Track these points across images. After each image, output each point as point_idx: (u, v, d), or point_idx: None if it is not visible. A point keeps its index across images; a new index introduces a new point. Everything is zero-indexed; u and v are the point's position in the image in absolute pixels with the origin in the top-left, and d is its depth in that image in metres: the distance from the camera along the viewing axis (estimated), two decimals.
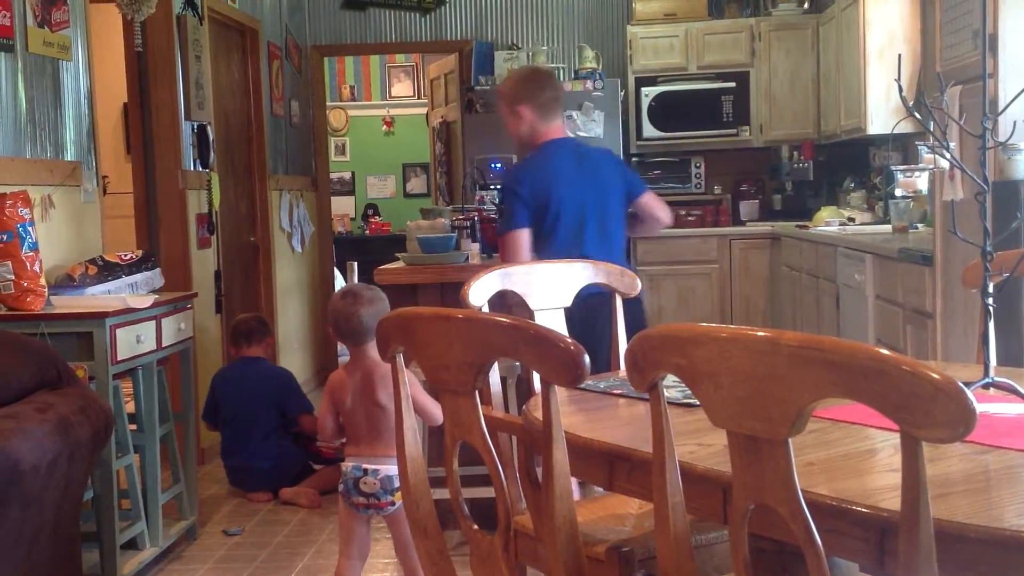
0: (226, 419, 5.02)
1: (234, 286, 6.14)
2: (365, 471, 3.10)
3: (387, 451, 3.08)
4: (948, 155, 1.98)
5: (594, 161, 3.88)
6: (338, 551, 3.27)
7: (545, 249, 3.71)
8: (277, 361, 6.37)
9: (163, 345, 3.89)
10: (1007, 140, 2.10)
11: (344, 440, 3.29)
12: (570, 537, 1.65)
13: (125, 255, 4.12)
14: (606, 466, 1.75)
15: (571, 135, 4.02)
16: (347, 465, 3.13)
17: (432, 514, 1.92)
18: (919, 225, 5.57)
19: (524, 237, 3.73)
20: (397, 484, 3.05)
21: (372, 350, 3.12)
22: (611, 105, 6.95)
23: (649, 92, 7.40)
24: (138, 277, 4.07)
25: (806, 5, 7.46)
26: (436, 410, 3.06)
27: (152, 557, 3.86)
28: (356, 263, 4.89)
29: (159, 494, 3.94)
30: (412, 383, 2.99)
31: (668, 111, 7.40)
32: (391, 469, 3.06)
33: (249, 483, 4.90)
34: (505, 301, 2.64)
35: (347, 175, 11.30)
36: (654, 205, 4.04)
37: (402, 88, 11.37)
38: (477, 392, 1.72)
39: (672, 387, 1.92)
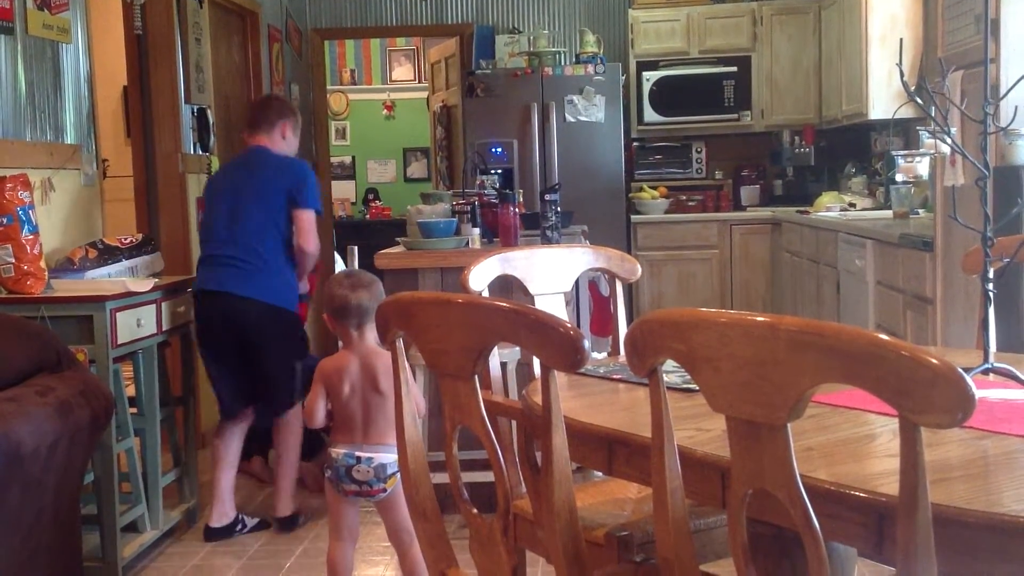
0: None
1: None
2: (358, 459, 3.06)
3: (381, 439, 3.06)
4: (949, 140, 1.98)
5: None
6: (328, 536, 3.26)
7: None
8: None
9: (163, 329, 3.89)
10: (1008, 125, 2.09)
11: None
12: (569, 521, 1.65)
13: (125, 238, 4.12)
14: (605, 451, 1.75)
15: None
16: (338, 452, 3.08)
17: (432, 498, 1.93)
18: (920, 211, 5.57)
19: None
20: (390, 472, 3.06)
21: (371, 333, 3.09)
22: (612, 89, 6.93)
23: (650, 76, 7.39)
24: (138, 261, 4.07)
25: None
26: (423, 402, 3.10)
27: (152, 540, 3.87)
28: (356, 247, 4.87)
29: (159, 477, 3.95)
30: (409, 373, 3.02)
31: (669, 96, 7.38)
32: (384, 457, 3.05)
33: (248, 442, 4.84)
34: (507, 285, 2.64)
35: (347, 159, 11.27)
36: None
37: (403, 72, 11.33)
38: (477, 377, 1.72)
39: (671, 372, 1.92)
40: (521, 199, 5.11)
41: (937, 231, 3.98)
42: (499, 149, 6.71)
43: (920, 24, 5.14)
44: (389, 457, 3.04)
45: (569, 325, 1.54)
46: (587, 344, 1.53)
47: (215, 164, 5.58)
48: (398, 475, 3.03)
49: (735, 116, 7.43)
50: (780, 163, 7.60)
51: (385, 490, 3.09)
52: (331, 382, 3.11)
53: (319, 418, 3.13)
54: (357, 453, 3.06)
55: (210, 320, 4.07)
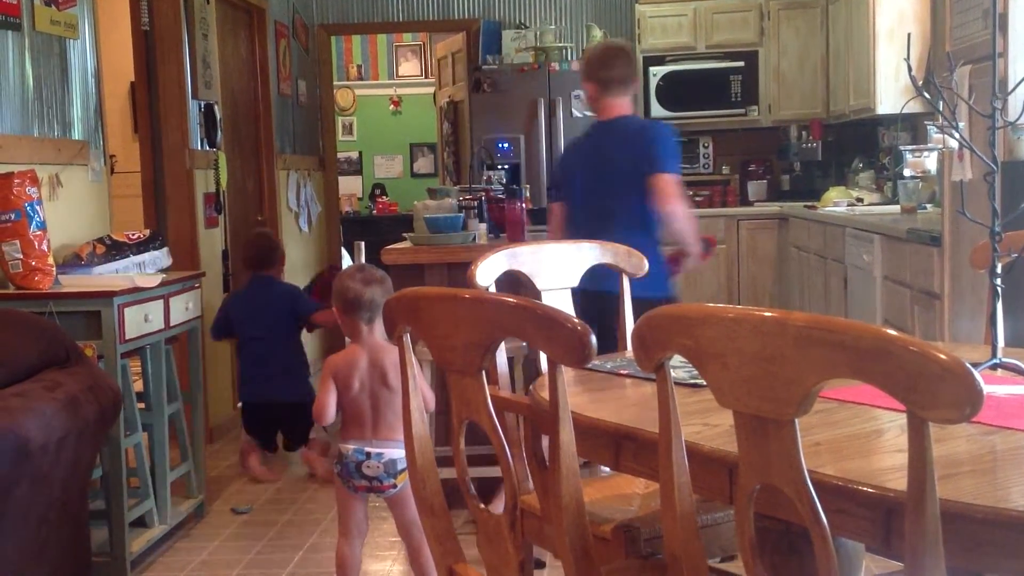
0: (243, 341, 5.05)
1: (241, 265, 6.14)
2: (368, 455, 3.06)
3: (391, 434, 3.06)
4: (957, 135, 1.98)
5: (616, 139, 3.81)
6: (337, 531, 3.27)
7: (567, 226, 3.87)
8: None
9: (171, 324, 3.90)
10: (1016, 120, 2.09)
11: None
12: (576, 516, 1.66)
13: (133, 234, 4.12)
14: (613, 446, 1.75)
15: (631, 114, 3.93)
16: (348, 448, 3.08)
17: (439, 493, 1.93)
18: (928, 205, 5.56)
19: (554, 211, 3.94)
20: (400, 467, 3.06)
21: (380, 328, 3.07)
22: None
23: (657, 71, 7.38)
24: (146, 256, 4.08)
25: None
26: (431, 396, 3.11)
27: (161, 535, 3.89)
28: (363, 243, 4.90)
29: (167, 472, 3.96)
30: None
31: (676, 91, 7.37)
32: (394, 453, 3.05)
33: (265, 426, 4.93)
34: (514, 281, 2.64)
35: (354, 155, 11.28)
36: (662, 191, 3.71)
37: (409, 67, 11.33)
38: (484, 372, 1.72)
39: (679, 367, 1.92)
40: (528, 194, 5.11)
41: (945, 226, 3.97)
42: (506, 144, 6.71)
43: (928, 19, 5.14)
44: (399, 453, 3.03)
45: (576, 321, 1.54)
46: (594, 339, 1.53)
47: (222, 160, 5.58)
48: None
49: (742, 111, 7.41)
50: (787, 158, 7.59)
51: (395, 486, 3.10)
52: (340, 377, 3.09)
53: (330, 414, 3.11)
54: (367, 449, 3.07)
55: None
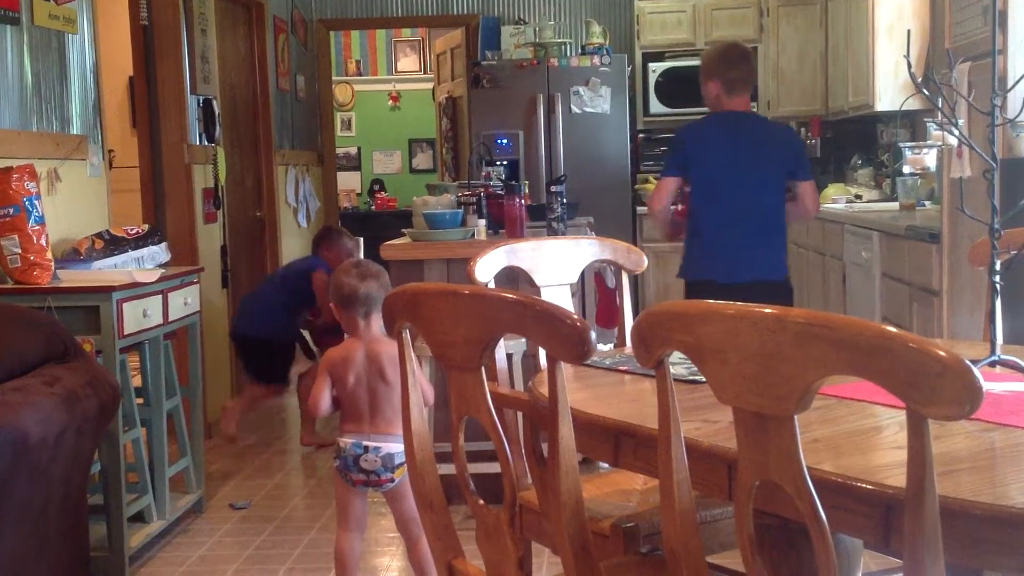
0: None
1: (240, 261, 6.15)
2: (366, 448, 3.07)
3: (388, 428, 3.08)
4: (956, 132, 1.98)
5: (758, 137, 4.15)
6: (336, 525, 3.26)
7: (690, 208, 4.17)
8: None
9: (169, 319, 3.90)
10: (1016, 117, 2.09)
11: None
12: (575, 512, 1.66)
13: (131, 229, 4.12)
14: (612, 442, 1.75)
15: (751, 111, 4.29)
16: (346, 441, 3.09)
17: (438, 489, 1.93)
18: (926, 202, 5.56)
19: (667, 185, 4.17)
20: (398, 461, 3.07)
21: (377, 322, 3.09)
22: (618, 81, 6.92)
23: (656, 68, 7.37)
24: (144, 251, 4.08)
25: None
26: (430, 390, 3.13)
27: (159, 530, 3.89)
28: (362, 239, 4.93)
29: (166, 467, 3.96)
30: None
31: (675, 87, 7.37)
32: (392, 447, 3.06)
33: (250, 358, 5.24)
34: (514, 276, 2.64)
35: (353, 150, 11.27)
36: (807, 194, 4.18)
37: (408, 63, 11.32)
38: (483, 368, 1.72)
39: (678, 364, 1.92)
40: (527, 190, 5.10)
41: (944, 223, 3.97)
42: (505, 140, 6.69)
43: (927, 15, 5.13)
44: (397, 447, 3.05)
45: (576, 317, 1.54)
46: (593, 336, 1.53)
47: (221, 155, 5.58)
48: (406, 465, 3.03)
49: None
50: None
51: (393, 480, 3.10)
52: (337, 371, 3.10)
53: (324, 407, 3.12)
54: (365, 443, 3.07)
55: None
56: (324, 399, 3.11)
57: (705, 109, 7.53)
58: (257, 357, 5.20)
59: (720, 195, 4.06)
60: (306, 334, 5.45)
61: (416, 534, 3.13)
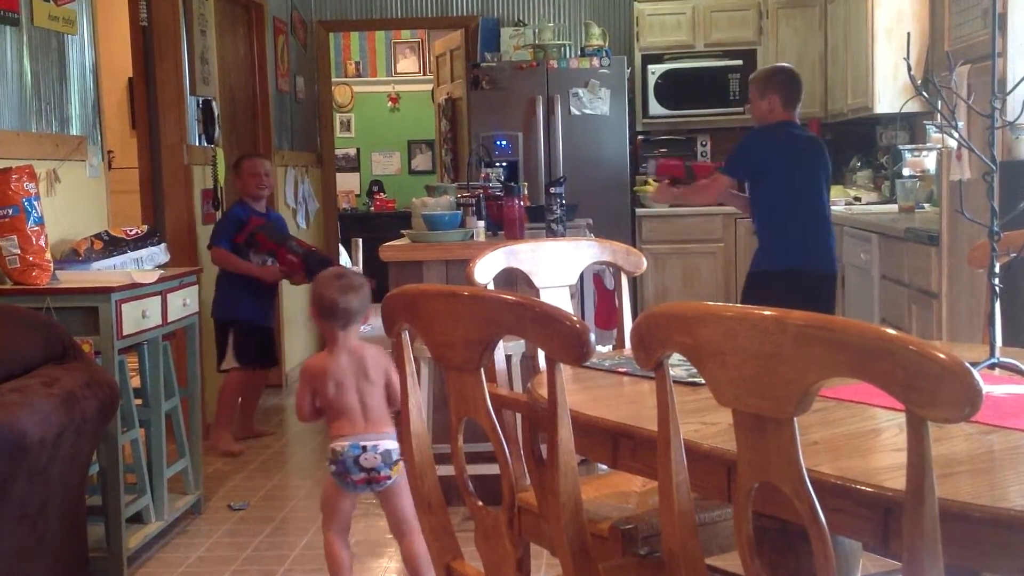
0: None
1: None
2: (364, 448, 3.12)
3: (381, 426, 3.16)
4: (956, 134, 1.98)
5: (815, 147, 4.76)
6: (324, 530, 3.28)
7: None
8: (283, 337, 6.39)
9: (168, 320, 3.90)
10: (1015, 120, 2.09)
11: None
12: (574, 514, 1.66)
13: (130, 230, 4.12)
14: (611, 444, 1.75)
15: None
16: (342, 445, 3.12)
17: (437, 490, 1.93)
18: (925, 205, 5.56)
19: (724, 182, 4.77)
20: (395, 457, 3.14)
21: (356, 332, 3.20)
22: (617, 83, 6.92)
23: (655, 69, 7.37)
24: (143, 252, 4.08)
25: None
26: (303, 410, 3.24)
27: (157, 531, 3.88)
28: (361, 240, 4.92)
29: (164, 468, 3.95)
30: (390, 364, 3.14)
31: (674, 89, 7.37)
32: (389, 443, 3.13)
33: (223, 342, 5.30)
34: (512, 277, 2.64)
35: (352, 151, 11.27)
36: None
37: (407, 64, 11.33)
38: (482, 369, 1.72)
39: (677, 366, 1.92)
40: (526, 192, 5.10)
41: (943, 225, 3.97)
42: (504, 142, 6.69)
43: (927, 18, 5.13)
44: (393, 443, 3.14)
45: (575, 318, 1.54)
46: (592, 337, 1.53)
47: (220, 156, 5.58)
48: (402, 462, 3.09)
49: (740, 110, 7.40)
50: None
51: (391, 476, 3.15)
52: (316, 382, 3.18)
53: (307, 415, 3.22)
54: (362, 442, 3.12)
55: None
56: (306, 408, 3.20)
57: (703, 112, 7.55)
58: (223, 337, 5.27)
59: (799, 194, 4.60)
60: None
61: (409, 533, 3.17)
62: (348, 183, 10.90)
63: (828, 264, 4.64)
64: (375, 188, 11.11)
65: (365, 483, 3.15)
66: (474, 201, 4.46)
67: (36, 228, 3.52)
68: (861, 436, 1.65)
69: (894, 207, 5.85)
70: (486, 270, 2.50)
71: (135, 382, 3.94)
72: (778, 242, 4.62)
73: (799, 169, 4.61)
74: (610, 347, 2.92)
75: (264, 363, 5.40)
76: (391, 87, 11.30)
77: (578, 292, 4.30)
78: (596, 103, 6.90)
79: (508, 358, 3.51)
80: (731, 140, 7.65)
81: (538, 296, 2.54)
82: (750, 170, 4.73)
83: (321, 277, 3.25)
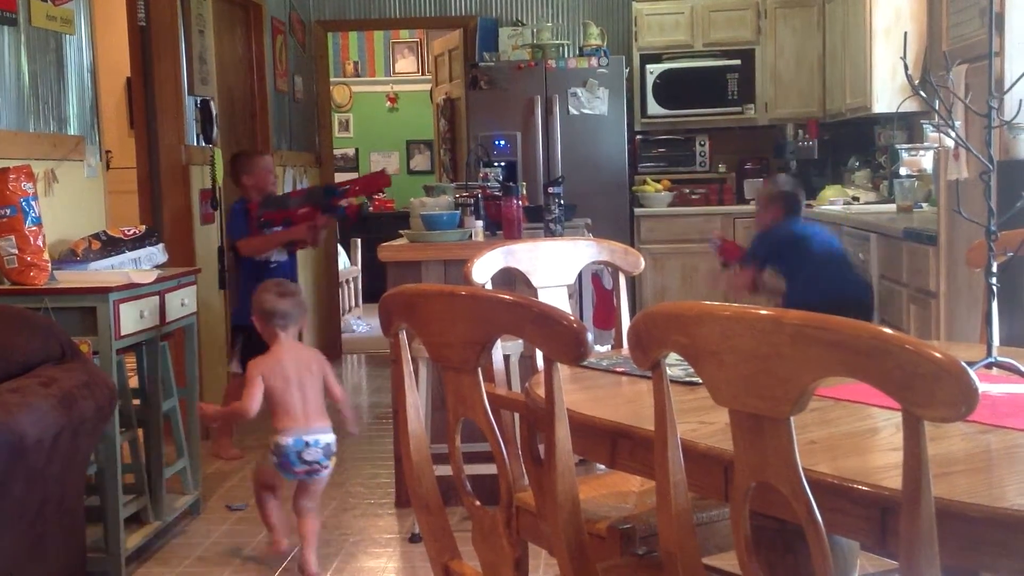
0: None
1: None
2: (306, 443, 3.47)
3: (321, 421, 3.54)
4: (953, 134, 1.98)
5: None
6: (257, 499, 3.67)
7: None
8: None
9: (166, 320, 3.89)
10: (1013, 119, 2.09)
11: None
12: (572, 514, 1.66)
13: (128, 230, 4.11)
14: (608, 444, 1.75)
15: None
16: (286, 440, 3.46)
17: (435, 490, 1.93)
18: (923, 204, 5.56)
19: (746, 274, 4.92)
20: (334, 450, 3.55)
21: (294, 333, 3.66)
22: (616, 82, 6.92)
23: (654, 69, 7.38)
24: (141, 252, 4.07)
25: None
26: (343, 393, 3.64)
27: (155, 532, 3.88)
28: (360, 240, 4.91)
29: (163, 469, 3.95)
30: (325, 362, 3.60)
31: (673, 89, 7.37)
32: (329, 436, 3.53)
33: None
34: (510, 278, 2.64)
35: (351, 151, 11.27)
36: None
37: (406, 64, 11.33)
38: (480, 369, 1.72)
39: (674, 365, 1.92)
40: (524, 192, 5.10)
41: (941, 225, 3.97)
42: (502, 142, 6.70)
43: (924, 17, 5.13)
44: (331, 436, 3.55)
45: (573, 318, 1.54)
46: (590, 337, 1.53)
47: (218, 156, 5.58)
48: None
49: (739, 109, 7.42)
50: (783, 157, 7.59)
51: (328, 467, 3.55)
52: (267, 377, 3.51)
53: (254, 408, 3.51)
54: (305, 438, 3.48)
55: None
56: (257, 401, 3.50)
57: (701, 111, 7.73)
58: (235, 339, 5.27)
59: (816, 278, 4.64)
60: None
61: (312, 510, 3.61)
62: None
63: (856, 291, 4.68)
64: None
65: (306, 474, 3.51)
66: (472, 201, 4.45)
67: (34, 228, 3.51)
68: (858, 435, 1.65)
69: (892, 207, 5.86)
70: (484, 270, 2.50)
71: (133, 382, 3.94)
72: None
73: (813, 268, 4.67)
74: (608, 347, 2.92)
75: None
76: (389, 87, 11.30)
77: (576, 292, 4.30)
78: (594, 103, 6.90)
79: (506, 358, 3.51)
80: (730, 140, 7.69)
81: (536, 296, 2.54)
82: (766, 262, 4.87)
83: (262, 287, 3.71)
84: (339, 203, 5.24)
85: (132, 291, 3.62)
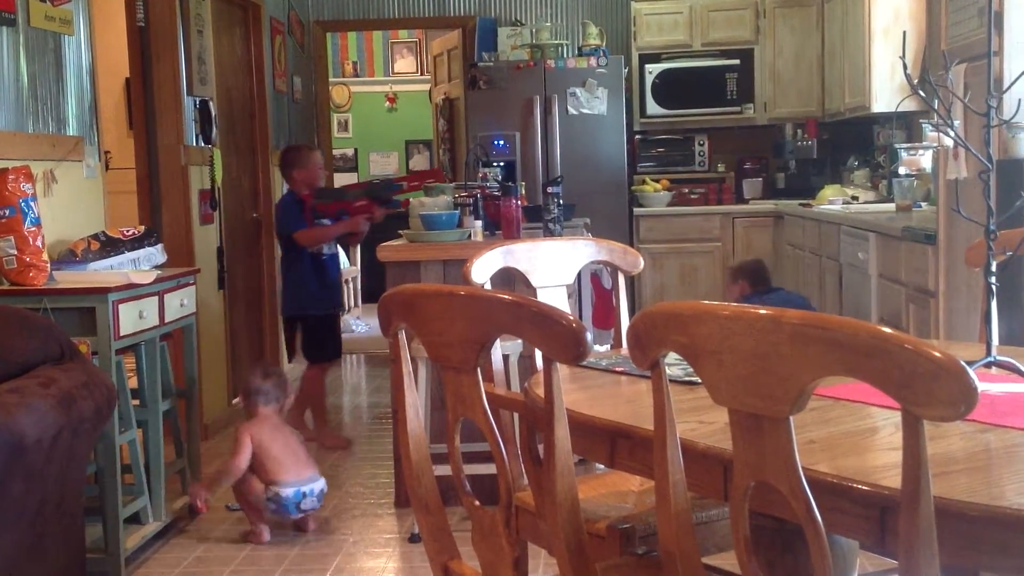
0: None
1: (236, 262, 6.14)
2: (303, 494, 3.86)
3: (310, 469, 3.96)
4: (952, 133, 1.98)
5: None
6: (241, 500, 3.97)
7: None
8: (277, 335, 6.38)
9: (166, 321, 3.89)
10: (1011, 118, 2.09)
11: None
12: (571, 513, 1.66)
13: (127, 231, 4.11)
14: (608, 443, 1.75)
15: None
16: (285, 492, 3.83)
17: (434, 490, 1.93)
18: (922, 204, 5.56)
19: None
20: (325, 490, 3.99)
21: (274, 406, 4.07)
22: (615, 82, 6.92)
23: (653, 69, 7.38)
24: (140, 253, 4.07)
25: None
26: (241, 460, 3.90)
27: (155, 532, 3.88)
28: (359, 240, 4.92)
29: (162, 469, 3.95)
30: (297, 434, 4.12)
31: (672, 88, 7.38)
32: (320, 484, 3.94)
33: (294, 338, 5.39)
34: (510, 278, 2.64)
35: (350, 151, 11.27)
36: None
37: (405, 64, 11.32)
38: (479, 369, 1.72)
39: (674, 365, 1.92)
40: (523, 192, 5.10)
41: (940, 224, 3.97)
42: (501, 142, 6.70)
43: (923, 17, 5.14)
44: (322, 482, 3.97)
45: (572, 318, 1.54)
46: (589, 337, 1.53)
47: (217, 156, 5.58)
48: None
49: (738, 109, 7.42)
50: (783, 156, 7.59)
51: (318, 506, 3.98)
52: (255, 439, 3.89)
53: (243, 468, 3.86)
54: (302, 489, 3.86)
55: None
56: (246, 459, 3.87)
57: (700, 111, 7.86)
58: (289, 332, 5.39)
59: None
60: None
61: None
62: (346, 183, 10.89)
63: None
64: None
65: (300, 518, 3.95)
66: (471, 201, 4.45)
67: (33, 229, 3.51)
68: (857, 435, 1.65)
69: (891, 206, 5.85)
70: (483, 270, 2.50)
71: (132, 382, 3.94)
72: None
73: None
74: (608, 346, 2.92)
75: (332, 358, 5.42)
76: (389, 87, 11.30)
77: (575, 291, 4.30)
78: (593, 103, 6.90)
79: (505, 358, 3.51)
80: (729, 139, 7.69)
81: (535, 296, 2.54)
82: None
83: (250, 367, 4.25)
84: (396, 197, 5.26)
85: (131, 291, 3.62)
